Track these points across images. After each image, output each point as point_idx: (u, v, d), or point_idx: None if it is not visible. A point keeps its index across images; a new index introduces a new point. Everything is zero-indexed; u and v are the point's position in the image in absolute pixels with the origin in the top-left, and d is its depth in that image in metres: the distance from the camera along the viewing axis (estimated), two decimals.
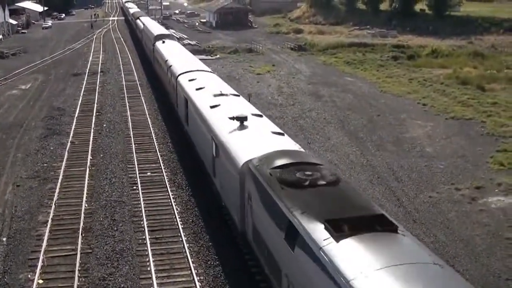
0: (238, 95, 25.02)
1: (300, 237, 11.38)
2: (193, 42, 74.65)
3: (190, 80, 27.66)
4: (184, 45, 58.59)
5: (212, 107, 21.88)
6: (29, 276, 16.58)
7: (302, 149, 16.99)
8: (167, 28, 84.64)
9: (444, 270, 9.82)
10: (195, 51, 59.32)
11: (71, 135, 31.27)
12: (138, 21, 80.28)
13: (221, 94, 23.77)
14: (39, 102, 41.53)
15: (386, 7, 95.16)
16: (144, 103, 38.88)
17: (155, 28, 59.24)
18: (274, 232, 12.88)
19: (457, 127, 32.93)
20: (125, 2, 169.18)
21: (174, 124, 31.95)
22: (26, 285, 16.15)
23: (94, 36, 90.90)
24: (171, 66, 33.46)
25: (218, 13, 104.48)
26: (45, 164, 26.76)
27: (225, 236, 18.53)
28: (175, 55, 37.63)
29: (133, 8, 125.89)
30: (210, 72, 31.59)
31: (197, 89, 25.44)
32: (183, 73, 30.02)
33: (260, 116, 20.99)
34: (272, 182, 13.47)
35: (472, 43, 68.50)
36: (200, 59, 39.72)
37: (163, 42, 44.79)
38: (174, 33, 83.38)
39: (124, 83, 47.08)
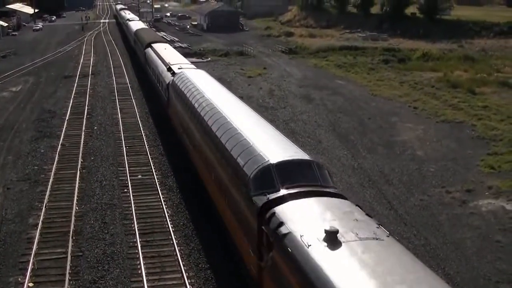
0: None
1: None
2: (184, 45, 74.50)
3: None
4: (175, 48, 52.90)
5: None
6: (20, 279, 16.49)
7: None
8: (158, 30, 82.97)
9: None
10: (186, 53, 58.23)
11: (61, 137, 31.13)
12: (150, 52, 42.69)
13: None
14: (30, 104, 41.32)
15: (377, 10, 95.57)
16: (135, 105, 38.78)
17: (214, 94, 24.05)
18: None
19: (447, 130, 33.10)
20: (120, 9, 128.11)
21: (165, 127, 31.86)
22: None
23: (85, 39, 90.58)
24: None
25: (209, 15, 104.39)
26: (35, 167, 26.64)
27: (216, 239, 18.52)
28: None
29: (133, 20, 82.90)
30: None
31: None
32: None
33: None
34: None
35: (463, 47, 68.96)
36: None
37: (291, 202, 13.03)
38: (164, 35, 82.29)
39: (115, 85, 46.93)
